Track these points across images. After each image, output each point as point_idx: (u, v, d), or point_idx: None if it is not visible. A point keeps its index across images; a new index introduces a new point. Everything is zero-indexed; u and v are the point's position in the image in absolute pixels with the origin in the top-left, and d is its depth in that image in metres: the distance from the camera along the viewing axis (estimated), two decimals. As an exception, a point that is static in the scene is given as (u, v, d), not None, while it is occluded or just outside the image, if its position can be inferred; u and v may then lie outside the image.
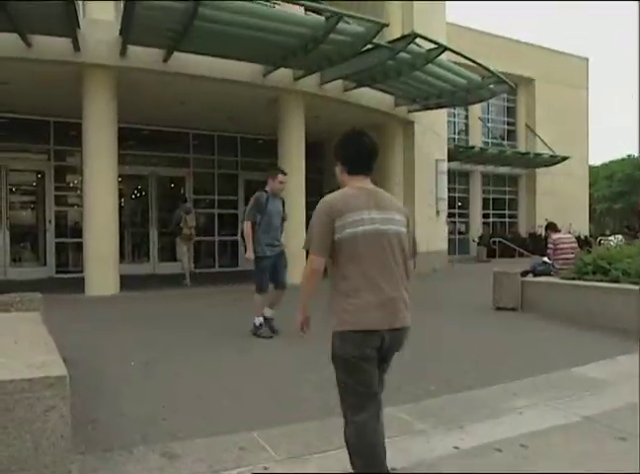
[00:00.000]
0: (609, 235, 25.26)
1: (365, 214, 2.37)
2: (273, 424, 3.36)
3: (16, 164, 12.57)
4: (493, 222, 23.05)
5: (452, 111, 20.37)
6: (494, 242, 19.76)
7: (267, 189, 5.98)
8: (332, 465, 2.76)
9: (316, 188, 14.26)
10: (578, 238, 17.13)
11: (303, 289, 2.47)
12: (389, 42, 9.40)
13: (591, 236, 21.08)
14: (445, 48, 9.62)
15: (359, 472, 2.35)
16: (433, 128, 15.11)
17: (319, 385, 4.04)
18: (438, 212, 15.61)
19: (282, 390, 4.06)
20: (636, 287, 6.32)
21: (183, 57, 9.37)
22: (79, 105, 9.53)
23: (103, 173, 9.52)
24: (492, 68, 10.93)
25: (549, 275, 8.76)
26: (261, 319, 5.97)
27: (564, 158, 21.68)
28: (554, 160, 21.83)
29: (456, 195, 21.50)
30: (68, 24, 8.10)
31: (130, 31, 8.40)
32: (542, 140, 22.43)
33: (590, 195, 27.13)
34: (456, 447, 3.02)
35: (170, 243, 13.31)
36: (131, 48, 9.06)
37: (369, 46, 9.17)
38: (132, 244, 14.03)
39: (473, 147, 20.45)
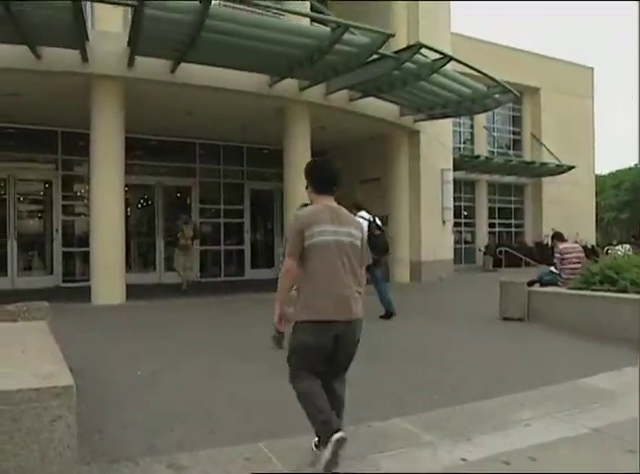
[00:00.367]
0: (617, 244, 25.09)
1: (329, 227, 2.91)
2: (279, 435, 3.35)
3: (24, 174, 12.67)
4: (499, 231, 22.97)
5: (458, 120, 20.38)
6: (500, 251, 19.68)
7: (308, 202, 5.68)
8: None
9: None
10: (585, 247, 17.02)
11: (281, 286, 2.96)
12: (395, 53, 9.44)
13: (598, 245, 20.95)
14: (451, 58, 9.65)
15: (312, 419, 2.86)
16: (438, 138, 15.13)
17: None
18: (443, 222, 15.59)
19: (289, 401, 4.05)
20: (644, 297, 6.27)
21: (190, 68, 9.44)
22: (87, 115, 9.63)
23: (110, 183, 9.59)
24: (497, 78, 10.95)
25: (556, 284, 8.71)
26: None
27: (570, 167, 21.62)
28: (560, 169, 21.77)
29: (462, 204, 21.45)
30: (77, 35, 8.19)
31: (138, 42, 8.49)
32: (548, 149, 22.40)
33: (596, 204, 27.01)
34: (464, 459, 3.00)
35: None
36: (139, 59, 9.15)
37: (375, 57, 9.21)
38: (139, 253, 14.08)
39: (479, 156, 20.43)
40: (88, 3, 9.11)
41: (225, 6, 9.37)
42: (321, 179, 3.12)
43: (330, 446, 2.69)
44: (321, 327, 2.84)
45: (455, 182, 17.42)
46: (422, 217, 13.94)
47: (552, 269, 9.35)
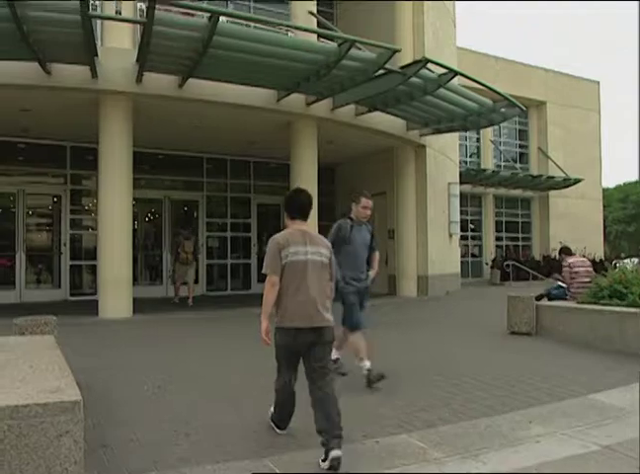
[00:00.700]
0: (625, 258, 24.97)
1: (302, 248, 3.42)
2: (285, 450, 3.33)
3: (33, 188, 12.78)
4: (506, 245, 22.88)
5: (464, 134, 20.43)
6: (507, 265, 19.59)
7: (350, 215, 5.24)
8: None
9: (329, 211, 14.32)
10: (593, 261, 16.92)
11: (266, 300, 3.42)
12: (401, 68, 9.49)
13: (606, 259, 20.81)
14: (457, 73, 9.70)
15: (275, 409, 3.65)
16: (444, 152, 15.16)
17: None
18: (450, 235, 15.56)
19: (296, 417, 4.03)
20: (654, 312, 6.21)
21: (197, 83, 9.54)
22: (95, 130, 9.73)
23: (118, 196, 9.65)
24: (503, 92, 10.98)
25: (564, 299, 8.66)
26: (368, 363, 4.92)
27: (577, 180, 21.59)
28: (567, 183, 21.74)
29: (469, 217, 21.44)
30: (86, 52, 8.30)
31: (147, 58, 8.58)
32: (555, 163, 22.39)
33: (604, 217, 26.90)
34: (472, 476, 2.96)
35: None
36: (147, 75, 9.25)
37: (381, 72, 9.26)
38: (146, 267, 14.12)
39: (485, 170, 20.44)
40: (97, 20, 9.27)
41: (233, 22, 9.47)
42: (294, 207, 3.62)
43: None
44: (296, 332, 3.35)
45: (462, 195, 17.42)
46: (428, 231, 13.90)
47: (560, 283, 9.31)
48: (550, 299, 9.08)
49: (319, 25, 11.34)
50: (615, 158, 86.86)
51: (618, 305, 6.80)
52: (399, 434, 3.64)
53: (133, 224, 10.67)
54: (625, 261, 19.89)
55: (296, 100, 10.60)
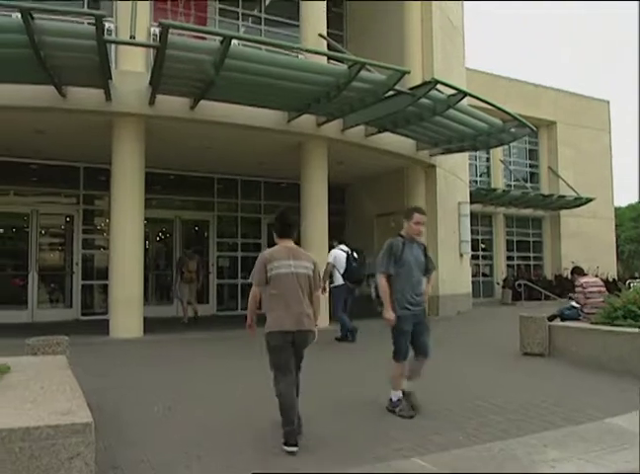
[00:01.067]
0: (638, 277, 24.67)
1: (285, 261, 3.96)
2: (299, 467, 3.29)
3: (46, 208, 12.93)
4: (517, 264, 22.73)
5: (474, 153, 20.45)
6: (519, 285, 19.42)
7: (402, 233, 4.91)
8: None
9: (339, 230, 14.33)
10: (606, 280, 16.77)
11: (249, 306, 4.11)
12: (410, 89, 9.55)
13: (619, 279, 20.57)
14: (466, 94, 9.75)
15: (281, 414, 3.83)
16: (454, 171, 15.17)
17: (337, 434, 3.94)
18: (461, 255, 15.49)
19: (303, 437, 3.99)
20: (669, 333, 6.12)
21: (209, 105, 9.65)
22: (108, 151, 9.86)
23: (129, 217, 9.74)
24: (513, 112, 11.00)
25: (577, 319, 8.57)
26: (399, 394, 4.78)
27: (589, 200, 21.47)
28: (578, 202, 21.62)
29: (479, 237, 21.34)
30: (101, 75, 8.45)
31: (160, 81, 8.72)
32: (566, 182, 22.31)
33: (616, 236, 26.67)
34: (487, 502, 2.91)
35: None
36: (160, 97, 9.38)
37: (391, 93, 9.33)
38: (157, 286, 14.16)
39: (495, 190, 20.40)
40: (112, 44, 9.45)
41: (245, 45, 9.63)
42: (281, 227, 4.17)
43: (285, 436, 3.72)
44: (282, 335, 3.91)
45: (472, 215, 17.37)
46: (439, 251, 13.84)
47: (573, 303, 9.22)
48: (563, 320, 8.98)
49: (329, 47, 11.47)
50: (627, 177, 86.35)
51: (632, 326, 6.71)
52: (411, 456, 3.59)
53: (144, 244, 10.73)
54: (639, 280, 19.68)
55: (307, 121, 10.69)
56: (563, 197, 21.38)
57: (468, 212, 16.14)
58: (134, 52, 9.64)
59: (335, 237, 9.99)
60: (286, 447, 3.69)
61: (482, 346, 9.15)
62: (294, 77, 8.68)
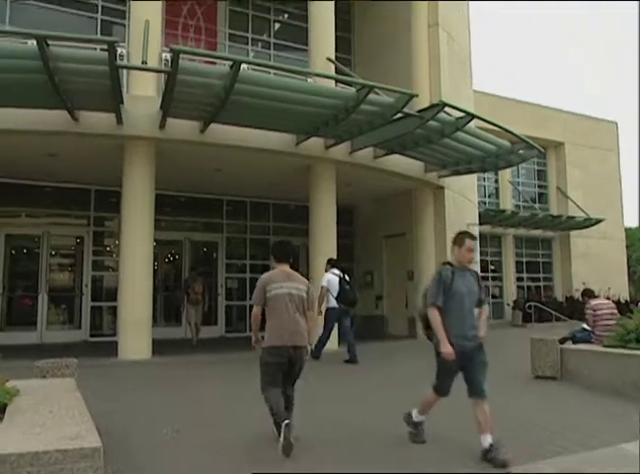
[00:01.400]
0: (651, 299, 24.36)
1: (281, 283, 4.47)
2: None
3: (57, 229, 13.06)
4: (527, 286, 22.56)
5: (482, 174, 20.47)
6: (529, 306, 19.23)
7: (451, 261, 4.57)
8: None
9: (347, 252, 14.34)
10: (618, 302, 16.57)
11: (252, 325, 4.56)
12: (418, 111, 9.63)
13: (632, 301, 20.33)
14: (474, 116, 9.81)
15: (272, 416, 4.24)
16: (463, 193, 15.17)
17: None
18: (470, 276, 15.37)
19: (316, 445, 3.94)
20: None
21: (219, 128, 9.77)
22: (119, 173, 9.97)
23: (139, 238, 9.80)
24: (521, 135, 11.03)
25: (589, 342, 8.46)
26: (422, 418, 4.65)
27: (598, 221, 21.36)
28: (588, 223, 21.52)
29: (489, 258, 21.25)
30: (113, 100, 8.59)
31: (170, 105, 8.85)
32: (575, 203, 22.25)
33: (627, 257, 26.45)
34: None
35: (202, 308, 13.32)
36: (170, 121, 9.51)
37: (399, 115, 9.40)
38: (166, 308, 14.17)
39: (504, 211, 20.37)
40: (124, 69, 9.63)
41: (254, 70, 9.77)
42: (279, 253, 4.74)
43: (282, 432, 3.96)
44: (278, 350, 4.34)
45: (481, 236, 17.31)
46: (448, 272, 13.76)
47: (585, 325, 9.12)
48: (575, 342, 8.88)
49: (337, 71, 11.61)
50: (637, 197, 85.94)
51: (646, 349, 6.60)
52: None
53: (154, 265, 10.78)
54: (651, 302, 19.42)
55: (315, 143, 10.78)
56: (572, 217, 21.30)
57: (477, 234, 16.08)
58: (146, 77, 9.81)
59: (328, 261, 10.05)
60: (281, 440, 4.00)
61: (492, 368, 8.91)
62: (303, 100, 8.78)
